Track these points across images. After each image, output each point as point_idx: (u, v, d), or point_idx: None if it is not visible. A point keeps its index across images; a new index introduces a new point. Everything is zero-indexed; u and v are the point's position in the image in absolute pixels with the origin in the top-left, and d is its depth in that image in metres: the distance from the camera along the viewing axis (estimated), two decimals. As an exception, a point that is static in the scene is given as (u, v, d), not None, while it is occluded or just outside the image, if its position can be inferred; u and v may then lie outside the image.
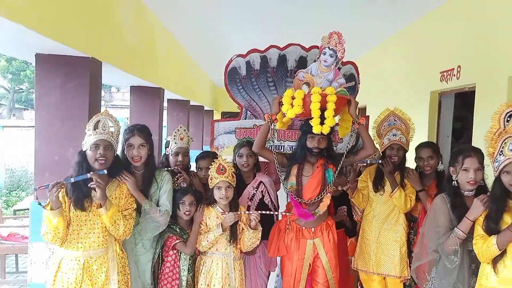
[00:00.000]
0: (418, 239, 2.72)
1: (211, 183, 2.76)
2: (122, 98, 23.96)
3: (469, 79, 4.29)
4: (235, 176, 2.80)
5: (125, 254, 2.61)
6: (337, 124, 3.11)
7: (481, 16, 4.14)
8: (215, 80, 14.05)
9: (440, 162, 3.21)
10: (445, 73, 4.79)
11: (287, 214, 2.94)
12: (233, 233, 2.72)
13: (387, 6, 5.16)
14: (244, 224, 2.75)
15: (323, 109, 2.73)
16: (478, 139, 4.06)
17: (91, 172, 2.39)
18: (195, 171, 3.36)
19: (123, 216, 2.50)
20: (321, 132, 2.73)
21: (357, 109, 2.83)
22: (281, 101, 2.88)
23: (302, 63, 3.49)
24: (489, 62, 3.95)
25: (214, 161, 2.82)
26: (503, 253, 2.08)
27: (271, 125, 2.92)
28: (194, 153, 3.54)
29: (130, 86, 6.53)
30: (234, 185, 2.78)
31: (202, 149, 12.40)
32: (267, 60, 3.56)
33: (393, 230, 3.16)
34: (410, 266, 3.05)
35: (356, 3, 5.13)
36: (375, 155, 3.29)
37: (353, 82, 3.24)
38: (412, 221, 3.27)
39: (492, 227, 2.12)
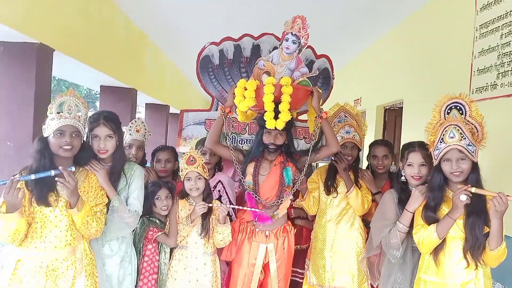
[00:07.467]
0: (369, 233, 2.60)
1: (181, 175, 2.65)
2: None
3: (364, 106, 6.95)
4: (206, 167, 2.65)
5: (93, 254, 2.23)
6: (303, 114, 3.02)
7: (370, 68, 6.78)
8: (205, 95, 16.50)
9: (393, 163, 2.98)
10: (355, 101, 7.45)
11: (257, 211, 2.67)
12: (204, 226, 2.59)
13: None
14: (217, 218, 2.63)
15: (278, 102, 2.50)
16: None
17: (54, 170, 1.98)
18: (151, 165, 3.12)
19: (94, 213, 2.13)
20: (275, 127, 2.50)
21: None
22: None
23: (276, 53, 3.31)
24: (370, 96, 6.60)
25: (180, 153, 2.65)
26: (443, 243, 2.01)
27: (225, 118, 2.67)
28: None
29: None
30: (206, 177, 2.63)
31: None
32: (240, 49, 3.40)
33: (348, 236, 2.81)
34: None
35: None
36: None
37: (316, 72, 2.99)
38: (366, 225, 2.90)
39: (431, 216, 2.04)
